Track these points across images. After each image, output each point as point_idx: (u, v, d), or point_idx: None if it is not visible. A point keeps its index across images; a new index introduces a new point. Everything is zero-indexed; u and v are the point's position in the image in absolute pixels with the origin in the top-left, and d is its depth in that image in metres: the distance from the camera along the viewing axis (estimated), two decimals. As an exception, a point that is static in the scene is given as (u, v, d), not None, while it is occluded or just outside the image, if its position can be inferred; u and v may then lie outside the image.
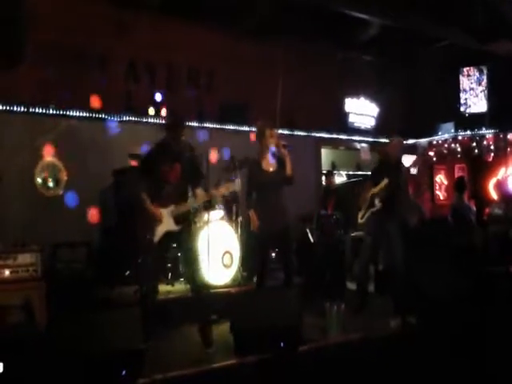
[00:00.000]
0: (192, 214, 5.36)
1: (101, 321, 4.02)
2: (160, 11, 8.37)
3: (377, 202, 6.13)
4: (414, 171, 10.68)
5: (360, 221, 6.35)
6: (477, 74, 11.31)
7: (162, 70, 8.69)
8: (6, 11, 6.62)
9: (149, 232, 4.86)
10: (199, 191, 5.00)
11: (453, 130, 11.27)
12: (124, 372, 3.80)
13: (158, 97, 8.35)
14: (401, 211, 6.28)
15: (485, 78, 11.22)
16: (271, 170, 5.45)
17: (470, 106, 11.36)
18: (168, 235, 4.91)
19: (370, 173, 6.89)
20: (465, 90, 11.41)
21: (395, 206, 6.12)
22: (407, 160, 10.81)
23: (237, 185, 5.16)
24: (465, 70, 11.42)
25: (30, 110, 7.22)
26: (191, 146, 5.15)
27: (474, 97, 11.29)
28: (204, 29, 8.79)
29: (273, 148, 5.42)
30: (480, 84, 11.28)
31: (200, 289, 4.97)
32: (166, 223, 4.88)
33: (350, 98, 11.03)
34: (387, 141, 6.57)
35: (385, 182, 6.10)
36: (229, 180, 5.71)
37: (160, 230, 4.88)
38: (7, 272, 5.18)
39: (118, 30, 8.08)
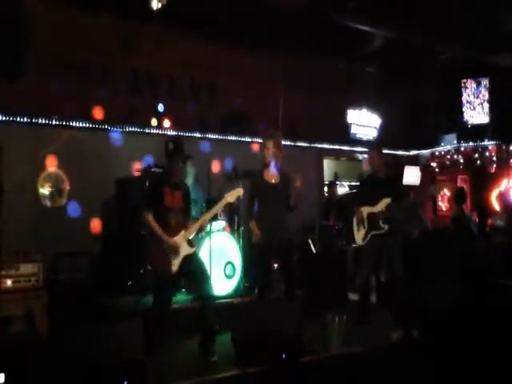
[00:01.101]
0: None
1: (103, 331, 4.01)
2: (162, 24, 8.42)
3: (381, 223, 6.02)
4: (415, 183, 10.76)
5: (361, 242, 6.24)
6: (479, 85, 11.33)
7: (164, 82, 8.74)
8: (7, 21, 6.64)
9: (167, 266, 4.82)
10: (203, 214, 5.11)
11: (455, 141, 11.29)
12: (126, 383, 3.79)
13: (161, 108, 8.39)
14: (399, 221, 6.24)
15: (487, 89, 11.24)
16: (273, 181, 5.45)
17: (472, 118, 11.37)
18: (184, 259, 4.91)
19: (356, 190, 6.81)
20: (467, 102, 11.42)
21: (396, 220, 6.08)
22: (409, 171, 10.88)
23: (239, 190, 5.08)
24: (467, 81, 11.44)
25: (33, 120, 7.26)
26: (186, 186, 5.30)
27: (475, 109, 11.31)
28: (206, 41, 8.85)
29: (273, 162, 5.44)
30: (482, 96, 11.30)
31: (209, 300, 4.98)
32: (183, 249, 4.89)
33: (352, 109, 11.06)
34: (389, 152, 6.51)
35: (386, 201, 6.03)
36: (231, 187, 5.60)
37: (178, 259, 4.86)
38: (9, 282, 5.18)
39: (120, 43, 8.15)
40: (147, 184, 5.21)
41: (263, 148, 5.53)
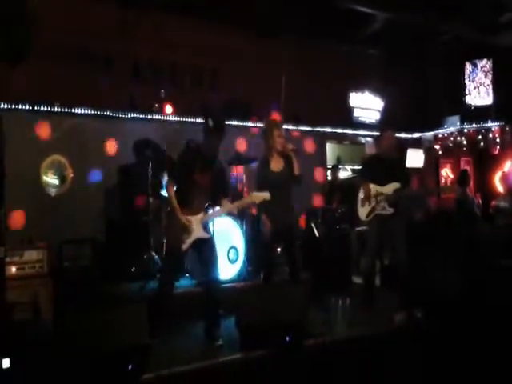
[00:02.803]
0: None
1: (107, 316, 4.03)
2: (164, 11, 8.38)
3: (386, 205, 6.00)
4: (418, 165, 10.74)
5: (365, 218, 6.25)
6: (482, 66, 11.25)
7: (166, 68, 8.70)
8: (10, 8, 6.64)
9: (178, 242, 4.81)
10: (225, 202, 5.01)
11: (458, 123, 11.22)
12: (130, 367, 3.81)
13: (162, 94, 8.36)
14: (404, 207, 6.22)
15: (490, 70, 11.17)
16: (279, 169, 5.46)
17: (475, 99, 11.30)
18: (196, 241, 4.88)
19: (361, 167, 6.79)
20: (470, 83, 11.35)
21: (402, 205, 6.07)
22: (413, 154, 10.86)
23: (266, 195, 4.97)
24: (470, 62, 11.36)
25: (35, 107, 7.24)
26: (221, 161, 5.19)
27: (480, 89, 11.24)
28: (207, 27, 8.80)
29: (279, 148, 5.44)
30: (486, 77, 11.23)
31: (215, 285, 4.99)
32: (197, 231, 4.84)
33: (354, 93, 11.00)
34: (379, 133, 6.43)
35: (395, 185, 5.99)
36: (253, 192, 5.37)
37: (190, 239, 4.84)
38: (14, 269, 5.21)
39: (122, 30, 8.11)
40: (179, 155, 5.10)
41: (268, 136, 5.52)
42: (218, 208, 5.06)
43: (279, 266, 6.10)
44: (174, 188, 4.85)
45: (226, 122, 5.17)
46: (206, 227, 4.92)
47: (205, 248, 4.95)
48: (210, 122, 4.91)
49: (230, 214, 5.63)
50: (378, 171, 6.06)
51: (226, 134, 5.06)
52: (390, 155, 6.18)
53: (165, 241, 5.21)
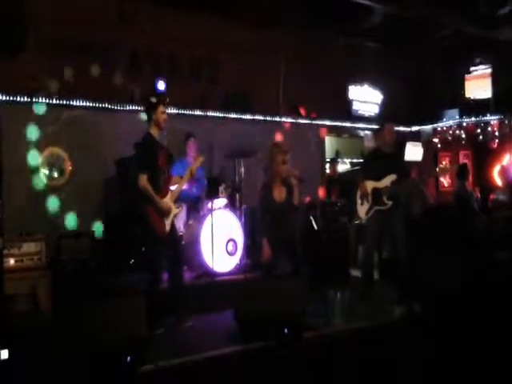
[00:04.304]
0: None
1: (105, 309, 4.04)
2: (162, 1, 8.33)
3: (385, 199, 6.02)
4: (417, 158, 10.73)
5: (364, 217, 6.25)
6: (481, 60, 11.22)
7: (165, 60, 8.66)
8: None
9: (163, 225, 5.03)
10: (176, 177, 5.45)
11: (457, 117, 11.20)
12: (128, 359, 3.81)
13: (161, 85, 8.32)
14: (403, 200, 6.23)
15: (489, 64, 11.14)
16: (281, 199, 5.50)
17: (474, 92, 11.28)
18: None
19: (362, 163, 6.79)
20: (469, 76, 11.33)
21: (400, 198, 6.07)
22: (412, 147, 10.85)
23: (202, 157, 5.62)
24: (469, 56, 11.33)
25: (34, 100, 7.20)
26: None
27: (479, 83, 11.21)
28: (206, 18, 8.74)
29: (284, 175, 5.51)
30: (485, 70, 11.20)
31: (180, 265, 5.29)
32: (173, 209, 5.15)
33: (353, 86, 10.97)
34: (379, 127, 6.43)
35: (391, 177, 6.00)
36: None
37: (169, 220, 5.10)
38: (12, 261, 5.21)
39: (120, 21, 8.06)
40: (142, 145, 5.21)
41: (272, 162, 5.51)
42: (176, 185, 5.36)
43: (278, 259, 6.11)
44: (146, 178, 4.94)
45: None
46: (174, 203, 5.24)
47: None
48: (152, 99, 5.17)
49: (188, 183, 6.08)
50: (378, 166, 6.08)
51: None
52: (389, 149, 6.19)
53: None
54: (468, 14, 9.53)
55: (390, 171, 5.99)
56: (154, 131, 5.11)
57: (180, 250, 5.39)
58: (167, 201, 5.08)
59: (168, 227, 5.06)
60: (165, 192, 5.10)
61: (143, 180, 4.87)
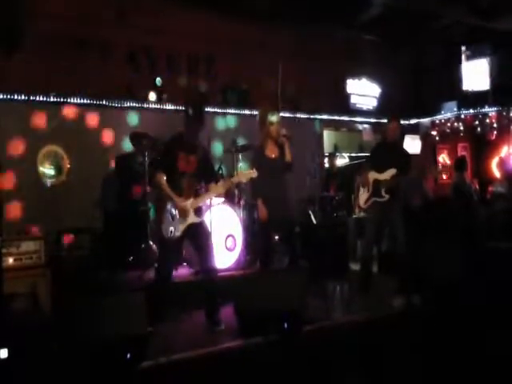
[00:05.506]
0: None
1: (105, 306, 4.04)
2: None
3: (383, 192, 6.07)
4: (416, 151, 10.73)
5: (362, 205, 6.30)
6: (479, 51, 11.19)
7: (162, 55, 8.64)
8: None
9: (173, 229, 4.89)
10: (213, 185, 5.06)
11: (456, 109, 11.17)
12: (129, 355, 3.82)
13: (159, 82, 8.31)
14: (403, 194, 6.26)
15: (488, 55, 11.10)
16: (274, 156, 5.53)
17: (472, 84, 11.25)
18: (189, 227, 4.94)
19: (369, 154, 6.82)
20: (467, 68, 11.30)
21: (399, 191, 6.11)
22: (410, 140, 10.84)
23: (253, 172, 5.04)
24: (467, 47, 11.30)
25: (31, 97, 7.19)
26: (204, 146, 5.36)
27: (477, 74, 11.18)
28: (203, 14, 8.71)
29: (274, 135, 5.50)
30: (483, 62, 11.17)
31: (214, 273, 5.05)
32: (190, 216, 4.93)
33: (351, 79, 10.95)
34: (386, 121, 6.45)
35: (392, 171, 6.04)
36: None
37: (183, 225, 4.92)
38: (11, 260, 5.21)
39: (117, 17, 8.05)
40: (164, 144, 5.20)
41: (262, 124, 5.56)
42: (207, 192, 5.15)
43: (277, 254, 6.13)
44: (164, 177, 4.91)
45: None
46: (197, 212, 4.97)
47: (198, 234, 5.02)
48: (190, 111, 5.00)
49: (218, 196, 5.72)
50: (382, 159, 6.15)
51: (205, 122, 5.16)
52: (395, 143, 6.27)
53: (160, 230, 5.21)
54: (467, 4, 9.48)
55: (391, 164, 6.05)
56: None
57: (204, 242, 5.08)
58: (186, 204, 4.90)
59: (179, 233, 4.88)
60: (186, 195, 4.93)
61: (157, 176, 4.92)
